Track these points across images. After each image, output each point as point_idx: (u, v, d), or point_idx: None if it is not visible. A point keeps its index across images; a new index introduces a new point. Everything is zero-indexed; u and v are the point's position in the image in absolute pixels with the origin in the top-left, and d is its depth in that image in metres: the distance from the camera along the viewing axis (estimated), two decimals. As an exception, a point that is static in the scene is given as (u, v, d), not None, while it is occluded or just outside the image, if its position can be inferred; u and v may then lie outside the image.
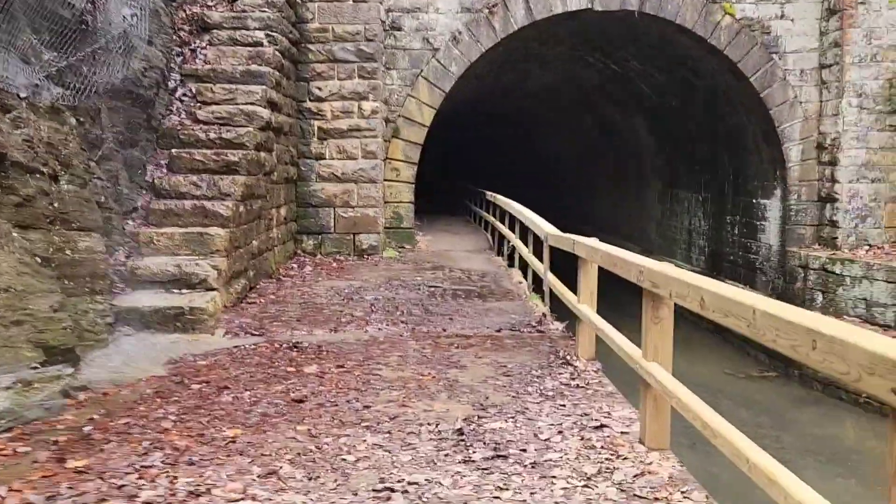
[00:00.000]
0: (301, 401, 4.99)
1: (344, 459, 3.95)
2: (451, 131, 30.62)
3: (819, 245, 12.98)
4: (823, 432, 10.69)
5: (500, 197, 13.29)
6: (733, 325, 2.87)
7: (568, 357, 6.00)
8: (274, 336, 6.91)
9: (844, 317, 11.67)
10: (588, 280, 5.91)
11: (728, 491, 6.46)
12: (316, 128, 12.51)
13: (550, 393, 5.14)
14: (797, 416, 11.31)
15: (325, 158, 12.52)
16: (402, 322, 7.56)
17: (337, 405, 4.92)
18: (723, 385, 13.12)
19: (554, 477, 3.70)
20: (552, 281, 7.53)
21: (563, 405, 4.86)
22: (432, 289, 9.65)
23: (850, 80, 12.49)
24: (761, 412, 11.52)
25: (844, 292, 11.68)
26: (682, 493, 3.51)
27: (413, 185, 13.55)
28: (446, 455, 4.00)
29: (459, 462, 3.90)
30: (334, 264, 11.65)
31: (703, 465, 6.88)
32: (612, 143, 22.60)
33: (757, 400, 12.10)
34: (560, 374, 5.62)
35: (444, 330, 7.26)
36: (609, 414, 4.68)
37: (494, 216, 14.30)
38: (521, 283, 10.00)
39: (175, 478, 3.60)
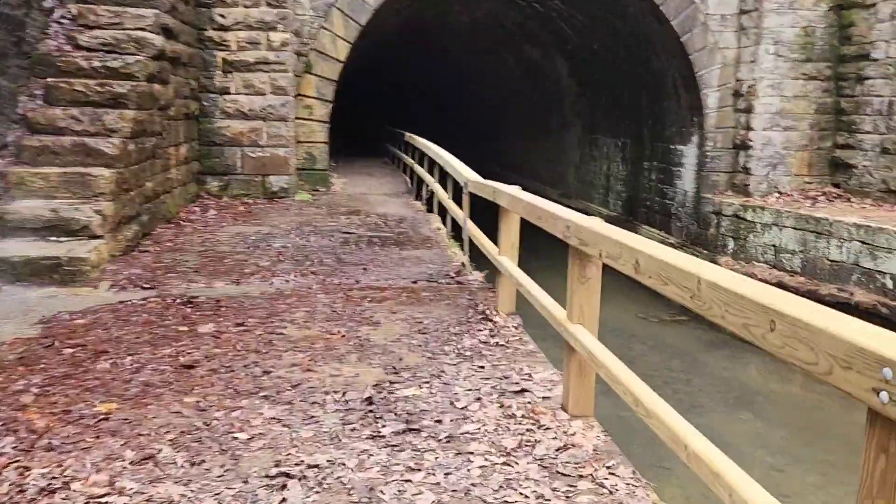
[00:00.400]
0: (191, 366, 4.44)
1: (235, 438, 3.48)
2: (370, 71, 29.50)
3: (732, 192, 13.11)
4: (731, 375, 10.96)
5: (418, 138, 12.72)
6: (674, 295, 2.52)
7: (487, 312, 5.65)
8: (167, 289, 6.26)
9: (754, 263, 11.89)
10: (509, 231, 5.53)
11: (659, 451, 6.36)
12: (220, 59, 11.51)
13: (468, 353, 4.78)
14: (707, 360, 11.55)
15: (230, 93, 11.58)
16: (312, 273, 7.03)
17: (233, 371, 4.41)
18: (636, 329, 13.28)
19: (471, 453, 3.35)
20: (472, 229, 7.14)
21: (482, 367, 4.52)
22: (346, 235, 9.11)
23: (767, 26, 12.42)
24: (673, 356, 11.70)
25: (755, 239, 11.87)
26: (608, 468, 3.23)
27: (327, 125, 12.79)
28: (353, 430, 3.59)
29: (367, 438, 3.50)
30: (241, 208, 10.89)
31: (630, 428, 6.78)
32: (534, 86, 22.21)
33: (669, 343, 12.29)
34: (479, 330, 5.27)
35: (358, 281, 6.78)
36: (530, 376, 4.37)
37: (413, 158, 13.76)
38: (439, 229, 9.59)
39: (26, 469, 3.04)
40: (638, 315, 13.65)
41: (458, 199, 8.40)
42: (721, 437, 8.65)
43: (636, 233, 13.58)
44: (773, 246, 11.55)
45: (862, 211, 11.07)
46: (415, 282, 6.84)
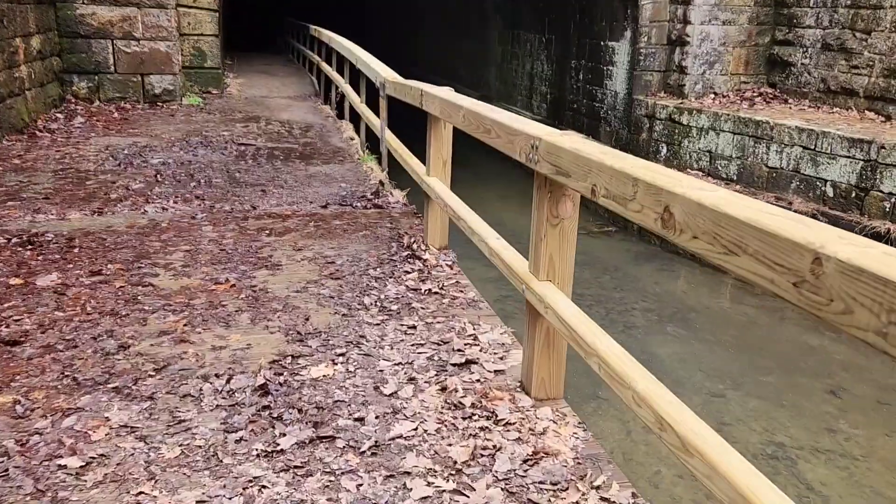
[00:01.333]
0: (16, 342, 3.24)
1: (62, 468, 2.38)
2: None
3: (666, 93, 12.30)
4: (662, 290, 10.49)
5: (325, 32, 11.13)
6: (765, 284, 1.52)
7: (414, 246, 4.61)
8: (2, 224, 4.87)
9: (688, 170, 11.24)
10: (441, 145, 4.43)
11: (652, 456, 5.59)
12: (77, -70, 9.45)
13: (395, 306, 3.76)
14: (637, 273, 11.03)
15: (93, -27, 9.61)
16: (198, 197, 5.74)
17: (76, 346, 3.23)
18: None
19: (407, 474, 2.38)
20: (390, 140, 5.97)
21: (413, 327, 3.51)
22: (242, 148, 7.74)
23: None
24: (603, 270, 11.11)
25: (690, 144, 11.18)
26: (597, 488, 2.34)
27: (217, 14, 10.98)
28: (239, 442, 2.54)
29: (259, 456, 2.46)
30: (116, 114, 9.22)
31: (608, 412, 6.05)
32: (450, -25, 20.44)
33: (598, 257, 11.69)
34: (406, 272, 4.24)
35: (254, 207, 5.57)
36: (475, 339, 3.40)
37: (320, 56, 12.16)
38: (352, 139, 8.33)
39: None
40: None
41: (374, 105, 7.16)
42: (658, 361, 8.17)
43: None
44: (709, 152, 10.90)
45: (801, 113, 10.48)
46: (324, 206, 5.68)
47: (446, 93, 4.30)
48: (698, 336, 9.05)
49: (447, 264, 4.38)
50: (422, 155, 4.87)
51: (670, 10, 12.10)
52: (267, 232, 4.94)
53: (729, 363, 8.28)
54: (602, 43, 13.44)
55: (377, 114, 6.62)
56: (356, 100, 8.06)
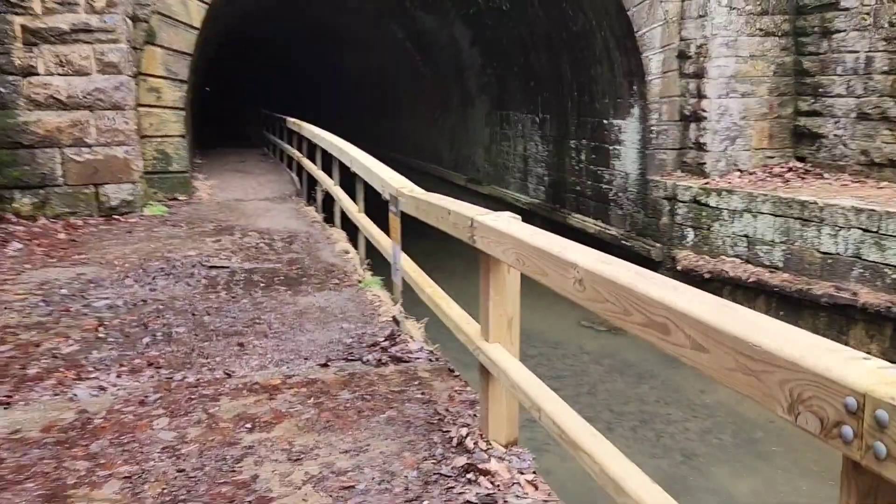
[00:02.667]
0: None
1: None
2: (241, 47, 25.90)
3: (683, 172, 11.15)
4: (711, 399, 9.00)
5: (306, 126, 9.89)
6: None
7: (469, 444, 3.10)
8: None
9: (722, 257, 9.96)
10: (504, 298, 2.98)
11: None
12: (18, 27, 8.19)
13: None
14: (676, 379, 9.52)
15: (37, 74, 8.29)
16: (151, 364, 4.20)
17: None
18: (581, 340, 11.16)
19: None
20: (410, 272, 4.51)
21: None
22: (213, 273, 6.26)
23: (717, -26, 10.44)
24: (638, 378, 9.61)
25: (722, 228, 9.93)
26: None
27: (184, 113, 9.70)
28: None
29: None
30: (63, 234, 7.73)
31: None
32: (429, 59, 19.62)
33: (626, 360, 10.20)
34: (467, 499, 2.72)
35: (229, 375, 4.03)
36: None
37: (301, 150, 10.88)
38: (347, 253, 6.88)
39: None
40: (581, 323, 11.51)
41: (377, 215, 5.78)
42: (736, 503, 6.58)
43: (565, 223, 11.38)
44: (746, 236, 9.64)
45: (847, 190, 9.31)
46: (325, 364, 4.17)
47: (506, 221, 2.90)
48: (774, 462, 7.51)
49: (527, 479, 2.86)
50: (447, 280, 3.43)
51: (681, 84, 11.09)
52: (248, 425, 3.40)
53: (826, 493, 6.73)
54: (605, 121, 12.37)
55: (383, 228, 5.21)
56: (352, 208, 6.66)
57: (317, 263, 6.63)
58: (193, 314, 5.10)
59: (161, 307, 5.24)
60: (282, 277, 6.16)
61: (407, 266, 4.49)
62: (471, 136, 18.32)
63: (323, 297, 5.52)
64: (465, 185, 18.40)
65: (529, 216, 15.36)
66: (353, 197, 6.77)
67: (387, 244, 5.05)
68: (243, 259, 6.80)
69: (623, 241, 11.79)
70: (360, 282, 5.89)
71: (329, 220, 8.77)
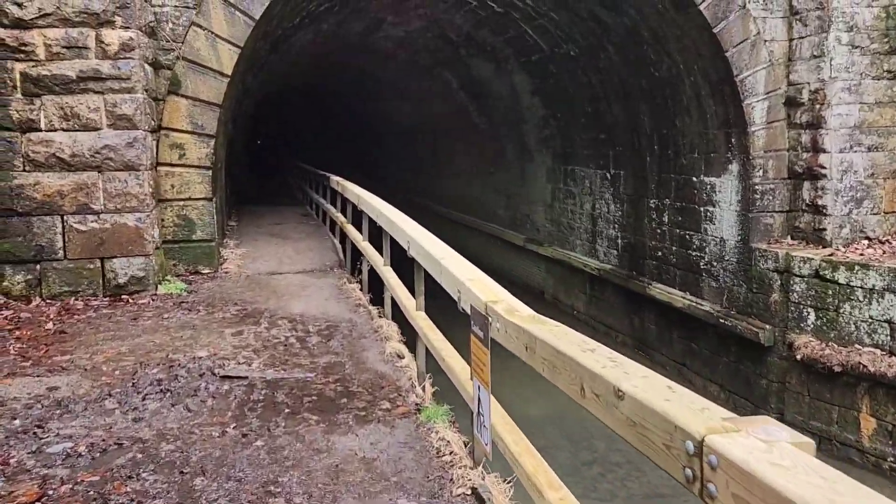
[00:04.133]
0: None
1: None
2: (285, 95, 25.10)
3: (795, 239, 9.35)
4: None
5: (350, 187, 8.44)
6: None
7: None
8: None
9: (857, 346, 8.06)
10: None
11: None
12: (17, 74, 6.99)
13: None
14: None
15: (38, 129, 7.05)
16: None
17: None
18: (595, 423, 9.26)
19: None
20: (508, 439, 2.85)
21: None
22: (225, 388, 4.71)
23: (837, 6, 8.80)
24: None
25: (855, 311, 8.06)
26: None
27: (210, 172, 8.36)
28: None
29: None
30: (51, 324, 6.30)
31: None
32: (483, 109, 18.30)
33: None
34: None
35: None
36: None
37: (345, 214, 9.44)
38: (401, 359, 5.25)
39: None
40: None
41: (438, 310, 4.18)
42: None
43: (645, 294, 9.54)
44: (889, 322, 7.75)
45: None
46: None
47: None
48: None
49: None
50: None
51: (790, 136, 9.38)
52: None
53: None
54: (695, 179, 10.68)
55: (466, 360, 3.59)
56: (408, 304, 5.04)
57: (361, 373, 5.02)
58: (182, 472, 3.51)
59: (140, 457, 3.68)
60: (314, 397, 4.56)
61: (502, 426, 2.84)
62: (530, 192, 16.77)
63: (369, 439, 3.89)
64: (524, 245, 16.78)
65: (601, 283, 13.61)
66: (405, 279, 5.19)
67: (465, 378, 3.42)
68: (267, 363, 5.25)
69: (721, 320, 9.95)
70: (419, 409, 4.25)
71: (376, 299, 7.21)
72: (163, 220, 8.10)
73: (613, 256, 13.23)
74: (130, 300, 7.14)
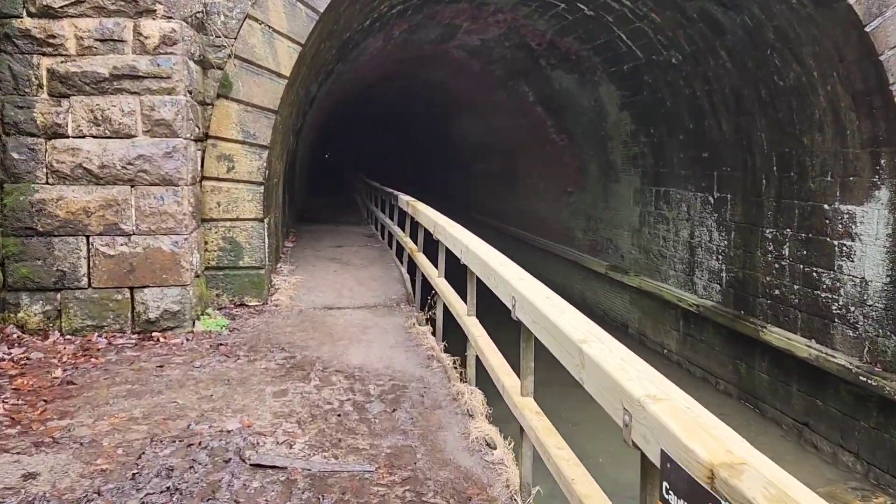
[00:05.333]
0: None
1: None
2: (353, 108, 24.23)
3: (964, 284, 7.57)
4: None
5: (424, 209, 7.14)
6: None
7: None
8: None
9: None
10: None
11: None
12: (44, 71, 5.98)
13: None
14: None
15: (64, 135, 6.01)
16: None
17: None
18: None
19: None
20: None
21: None
22: (254, 486, 3.42)
23: None
24: None
25: None
26: None
27: (262, 188, 7.21)
28: None
29: None
30: (58, 371, 5.15)
31: None
32: (563, 124, 16.87)
33: None
34: None
35: None
36: None
37: (415, 240, 8.15)
38: (492, 450, 3.85)
39: None
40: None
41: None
42: None
43: (758, 338, 7.32)
44: None
45: None
46: None
47: None
48: None
49: None
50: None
51: (961, 155, 7.61)
52: None
53: None
54: (827, 206, 8.98)
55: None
56: (509, 384, 3.57)
57: (438, 467, 3.66)
58: None
59: None
60: (374, 510, 3.23)
61: None
62: (613, 215, 15.19)
63: None
64: (606, 273, 15.19)
65: (698, 321, 11.93)
66: (517, 370, 3.80)
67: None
68: (314, 444, 3.95)
69: (862, 378, 8.19)
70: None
71: (452, 345, 5.87)
72: (206, 242, 6.98)
73: (716, 292, 11.54)
74: (162, 338, 5.99)
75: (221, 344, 5.89)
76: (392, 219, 10.76)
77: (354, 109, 25.44)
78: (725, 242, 11.24)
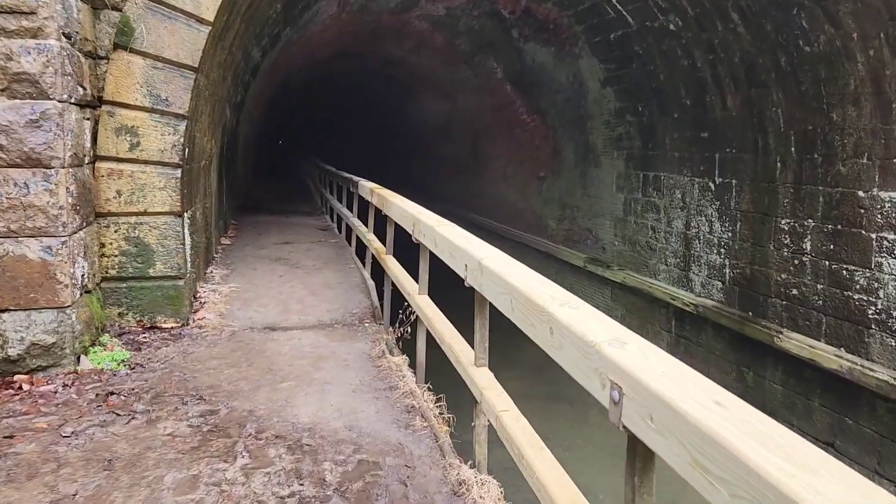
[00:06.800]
0: None
1: None
2: (301, 85, 22.13)
3: None
4: None
5: (396, 200, 5.40)
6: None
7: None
8: None
9: None
10: None
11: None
12: None
13: None
14: None
15: None
16: None
17: None
18: None
19: None
20: None
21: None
22: None
23: None
24: None
25: None
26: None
27: (180, 172, 5.38)
28: None
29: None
30: None
31: None
32: (535, 103, 15.28)
33: None
34: None
35: None
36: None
37: (383, 240, 6.39)
38: None
39: None
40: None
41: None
42: None
43: (771, 344, 5.92)
44: None
45: None
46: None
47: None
48: None
49: None
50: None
51: None
52: None
53: None
54: (861, 193, 7.57)
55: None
56: (553, 488, 2.00)
57: None
58: None
59: None
60: None
61: None
62: (593, 203, 13.70)
63: None
64: (585, 266, 13.71)
65: (695, 322, 10.52)
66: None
67: None
68: None
69: (914, 399, 6.84)
70: None
71: (438, 384, 4.21)
72: (103, 246, 5.15)
73: (717, 289, 10.13)
74: (27, 385, 4.18)
75: (113, 392, 4.11)
76: (351, 210, 8.94)
77: (307, 88, 23.42)
78: (729, 234, 9.81)
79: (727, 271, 9.87)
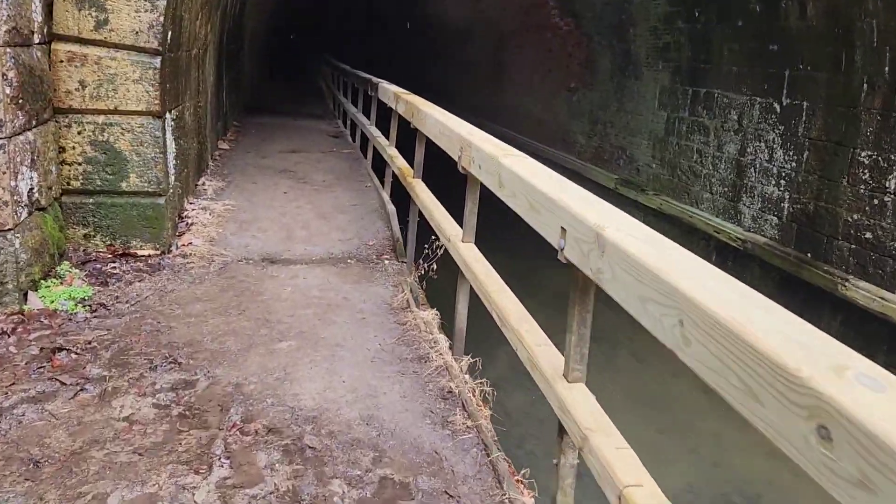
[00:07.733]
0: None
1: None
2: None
3: None
4: None
5: (428, 108, 4.25)
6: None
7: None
8: None
9: None
10: None
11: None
12: None
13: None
14: None
15: None
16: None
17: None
18: None
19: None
20: None
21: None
22: None
23: None
24: None
25: None
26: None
27: (159, 60, 4.21)
28: None
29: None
30: None
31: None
32: (567, 6, 13.67)
33: None
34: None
35: None
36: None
37: (411, 163, 5.24)
38: None
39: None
40: None
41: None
42: None
43: (835, 292, 5.20)
44: None
45: None
46: None
47: None
48: None
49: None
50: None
51: None
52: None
53: None
54: (973, 125, 6.32)
55: None
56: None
57: None
58: None
59: None
60: None
61: None
62: (629, 119, 12.38)
63: None
64: (615, 188, 12.55)
65: (741, 260, 9.46)
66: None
67: None
68: None
69: None
70: None
71: (477, 344, 3.23)
72: (62, 150, 4.06)
73: (771, 225, 9.02)
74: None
75: (63, 347, 3.13)
76: (368, 116, 7.72)
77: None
78: (793, 164, 8.61)
79: (786, 206, 8.73)
